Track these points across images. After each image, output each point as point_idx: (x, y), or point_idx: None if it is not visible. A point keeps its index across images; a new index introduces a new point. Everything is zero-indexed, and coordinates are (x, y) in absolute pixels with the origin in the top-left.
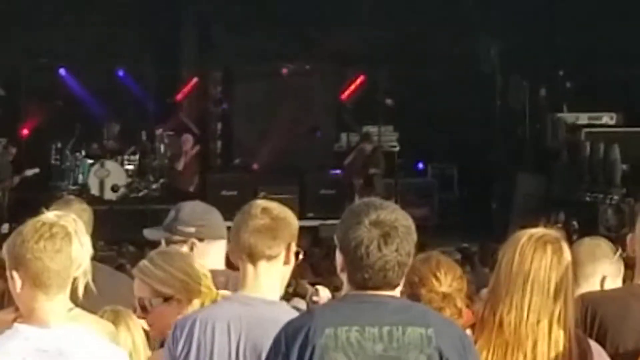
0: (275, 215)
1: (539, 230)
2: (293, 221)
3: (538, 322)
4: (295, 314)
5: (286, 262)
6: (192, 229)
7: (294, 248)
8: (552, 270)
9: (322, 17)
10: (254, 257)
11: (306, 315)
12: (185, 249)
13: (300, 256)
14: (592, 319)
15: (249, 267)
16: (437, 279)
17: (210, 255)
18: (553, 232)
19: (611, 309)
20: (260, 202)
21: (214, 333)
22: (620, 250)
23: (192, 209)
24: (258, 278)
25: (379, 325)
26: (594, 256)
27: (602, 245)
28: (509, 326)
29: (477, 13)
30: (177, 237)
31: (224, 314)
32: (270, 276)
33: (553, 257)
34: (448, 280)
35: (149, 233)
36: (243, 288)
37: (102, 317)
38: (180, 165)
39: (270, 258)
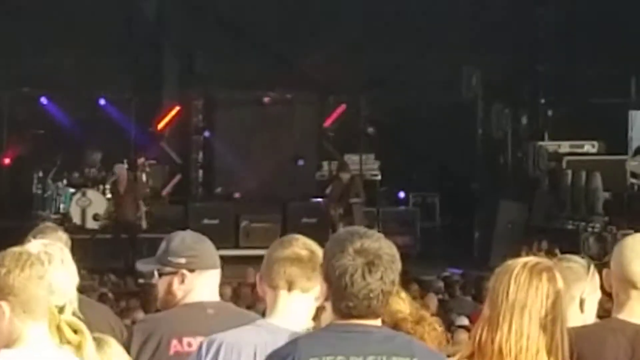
0: (315, 249)
1: (531, 259)
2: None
3: (537, 352)
4: None
5: (318, 297)
6: (182, 260)
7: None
8: (548, 299)
9: (304, 46)
10: (291, 286)
11: (290, 345)
12: (176, 280)
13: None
14: (570, 355)
15: (282, 296)
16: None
17: (201, 286)
18: (546, 261)
19: (588, 344)
20: (299, 236)
21: (239, 357)
22: (592, 266)
23: (183, 239)
24: (289, 308)
25: (364, 355)
26: (567, 282)
27: (573, 268)
28: (509, 354)
29: (459, 42)
30: (168, 269)
31: (251, 339)
32: (301, 308)
33: (549, 286)
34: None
35: (141, 265)
36: (271, 316)
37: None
38: (117, 202)
39: (306, 289)
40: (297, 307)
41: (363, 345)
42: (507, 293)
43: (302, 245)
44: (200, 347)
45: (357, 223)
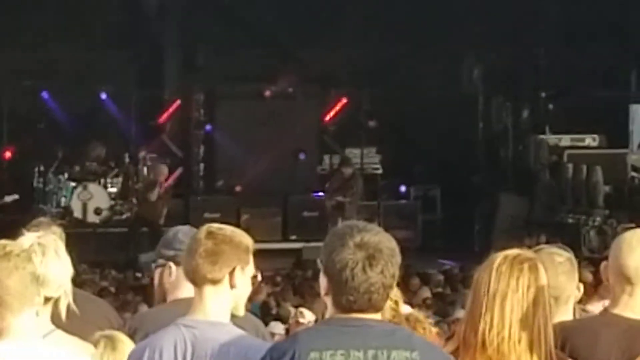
0: (220, 240)
1: (514, 251)
2: (242, 245)
3: (519, 340)
4: (241, 332)
5: (231, 286)
6: (171, 252)
7: (247, 271)
8: (529, 289)
9: (305, 40)
10: (197, 282)
11: (291, 339)
12: (165, 272)
13: (259, 278)
14: (562, 347)
15: (196, 291)
16: None
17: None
18: (528, 252)
19: (581, 337)
20: (208, 227)
21: (161, 358)
22: (571, 252)
23: (176, 232)
24: (203, 302)
25: (364, 349)
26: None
27: (564, 263)
28: (491, 345)
29: (460, 35)
30: (160, 261)
31: (170, 338)
32: (216, 300)
33: (530, 275)
34: None
35: (143, 257)
36: (191, 312)
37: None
38: (154, 196)
39: (214, 282)
40: (210, 300)
41: (364, 339)
42: (489, 284)
43: (206, 238)
44: (129, 356)
45: (347, 218)
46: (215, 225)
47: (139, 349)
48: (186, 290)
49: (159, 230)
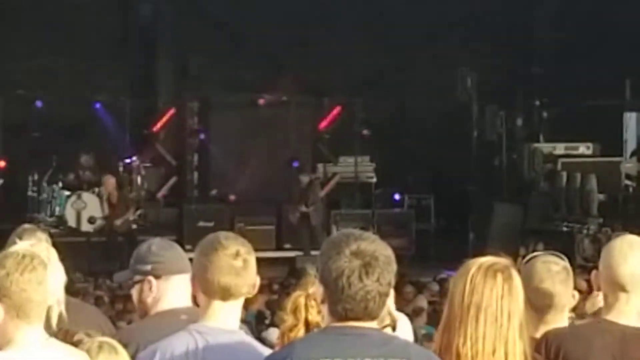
0: (247, 257)
1: (488, 259)
2: (254, 258)
3: (494, 351)
4: (252, 341)
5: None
6: (148, 267)
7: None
8: (503, 299)
9: (299, 48)
10: (227, 297)
11: (287, 348)
12: (145, 287)
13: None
14: (556, 355)
15: (217, 304)
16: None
17: (170, 292)
18: (503, 260)
19: (575, 345)
20: (231, 243)
21: (172, 359)
22: (566, 260)
23: (149, 246)
24: (222, 312)
25: (361, 357)
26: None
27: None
28: (465, 357)
29: (454, 44)
30: (137, 277)
31: (182, 343)
32: (233, 309)
33: (504, 285)
34: None
35: (117, 277)
36: (203, 319)
37: (89, 346)
38: (105, 211)
39: (237, 296)
40: (229, 310)
41: (360, 347)
42: (463, 295)
43: (237, 256)
44: (140, 358)
45: (314, 229)
46: (233, 240)
47: (149, 352)
48: (168, 301)
49: (133, 236)
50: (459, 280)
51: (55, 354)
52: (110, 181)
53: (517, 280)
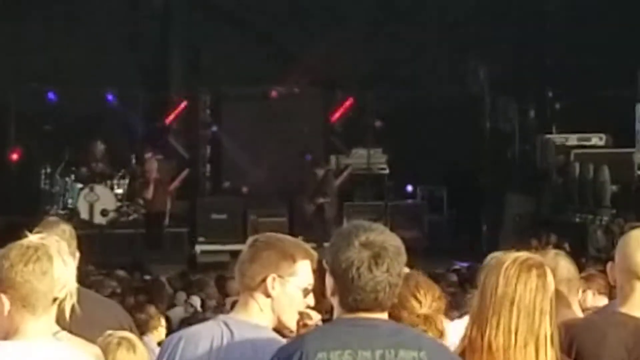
0: (259, 247)
1: (522, 254)
2: (280, 253)
3: (525, 345)
4: (278, 338)
5: (266, 295)
6: None
7: (289, 282)
8: (537, 294)
9: (310, 40)
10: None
11: (298, 340)
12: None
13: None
14: (570, 345)
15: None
16: (417, 300)
17: None
18: (537, 257)
19: (589, 336)
20: (255, 236)
21: (196, 350)
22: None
23: None
24: (248, 304)
25: (372, 348)
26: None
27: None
28: (497, 350)
29: (465, 35)
30: None
31: (208, 332)
32: (265, 305)
33: (538, 281)
34: (428, 301)
35: None
36: (235, 312)
37: (109, 341)
38: (149, 194)
39: (249, 288)
40: (252, 304)
41: (371, 338)
42: (496, 288)
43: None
44: (164, 343)
45: (328, 221)
46: (265, 234)
47: (174, 338)
48: None
49: (162, 230)
50: (491, 272)
51: (64, 346)
52: (153, 166)
53: (550, 277)
